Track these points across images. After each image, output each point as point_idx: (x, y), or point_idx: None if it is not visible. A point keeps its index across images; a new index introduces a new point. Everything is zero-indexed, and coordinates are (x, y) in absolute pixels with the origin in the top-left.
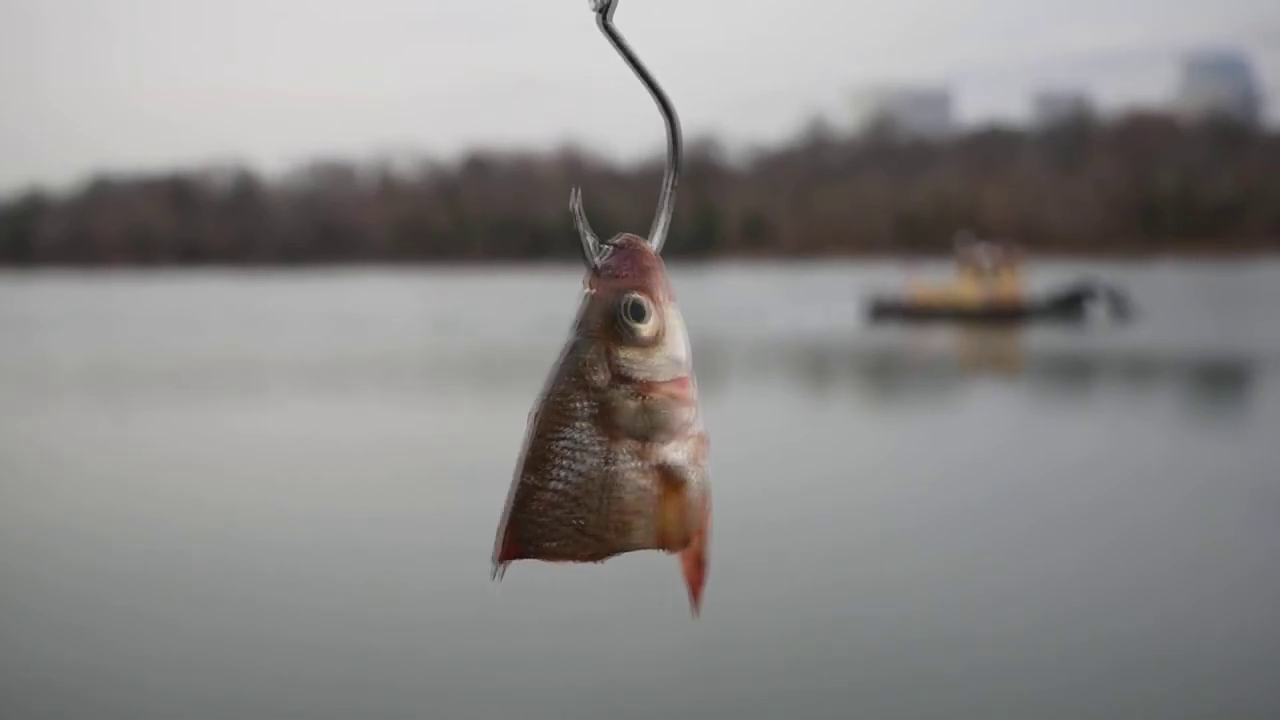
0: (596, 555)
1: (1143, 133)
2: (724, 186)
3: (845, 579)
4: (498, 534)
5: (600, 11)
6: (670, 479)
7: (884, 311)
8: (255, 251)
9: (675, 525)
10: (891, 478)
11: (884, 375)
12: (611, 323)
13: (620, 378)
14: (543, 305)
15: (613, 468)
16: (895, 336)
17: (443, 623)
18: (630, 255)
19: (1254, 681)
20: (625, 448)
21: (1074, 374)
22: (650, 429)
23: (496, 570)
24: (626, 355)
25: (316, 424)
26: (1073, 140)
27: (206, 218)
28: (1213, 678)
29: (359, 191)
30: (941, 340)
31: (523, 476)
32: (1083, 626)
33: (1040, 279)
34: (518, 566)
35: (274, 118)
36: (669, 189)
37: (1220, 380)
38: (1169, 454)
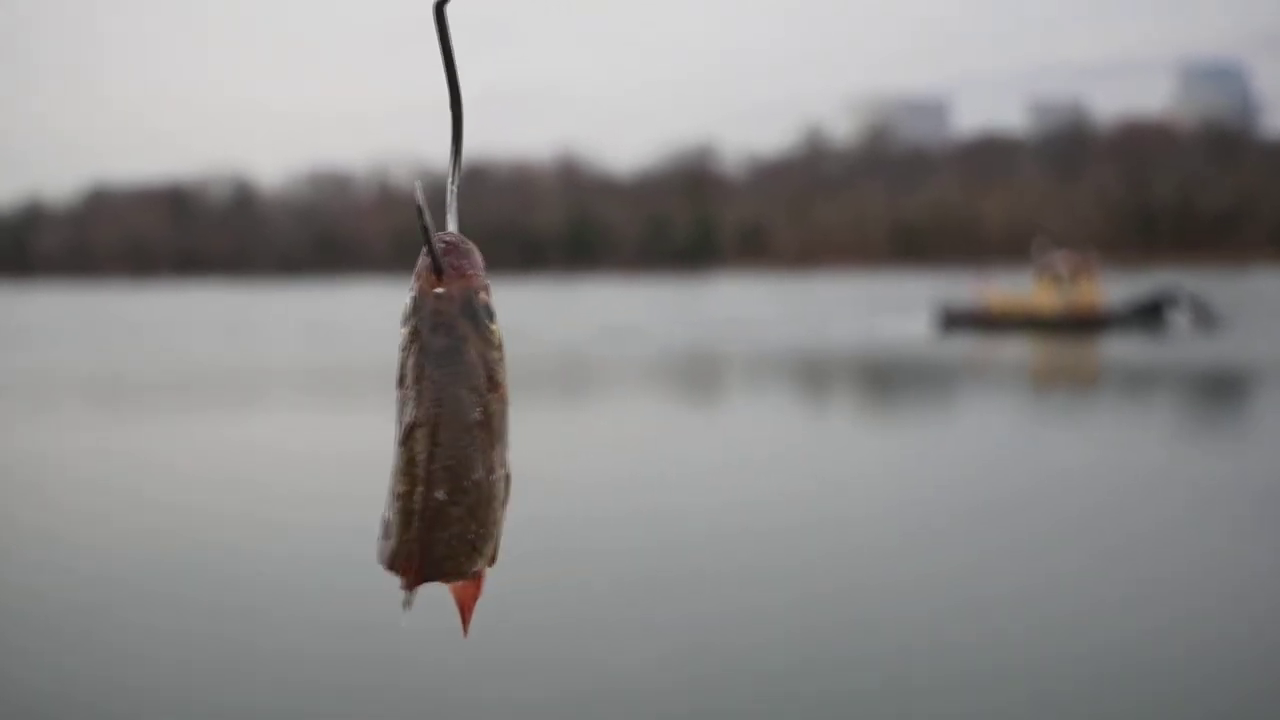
0: (474, 572)
1: (1139, 141)
2: (721, 196)
3: (851, 584)
4: (397, 558)
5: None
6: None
7: (956, 321)
8: (254, 261)
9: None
10: (932, 486)
11: (952, 385)
12: (475, 324)
13: (493, 382)
14: (541, 316)
15: (491, 477)
16: (966, 347)
17: (443, 630)
18: (470, 253)
19: (1254, 689)
20: (495, 455)
21: (1152, 384)
22: (505, 434)
23: (408, 599)
24: (494, 357)
25: (316, 434)
26: (1070, 149)
27: (205, 228)
28: (1214, 684)
29: (357, 201)
30: (1015, 350)
31: (432, 493)
32: (1083, 633)
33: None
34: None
35: (271, 128)
36: (453, 186)
37: (1219, 389)
38: (1169, 463)
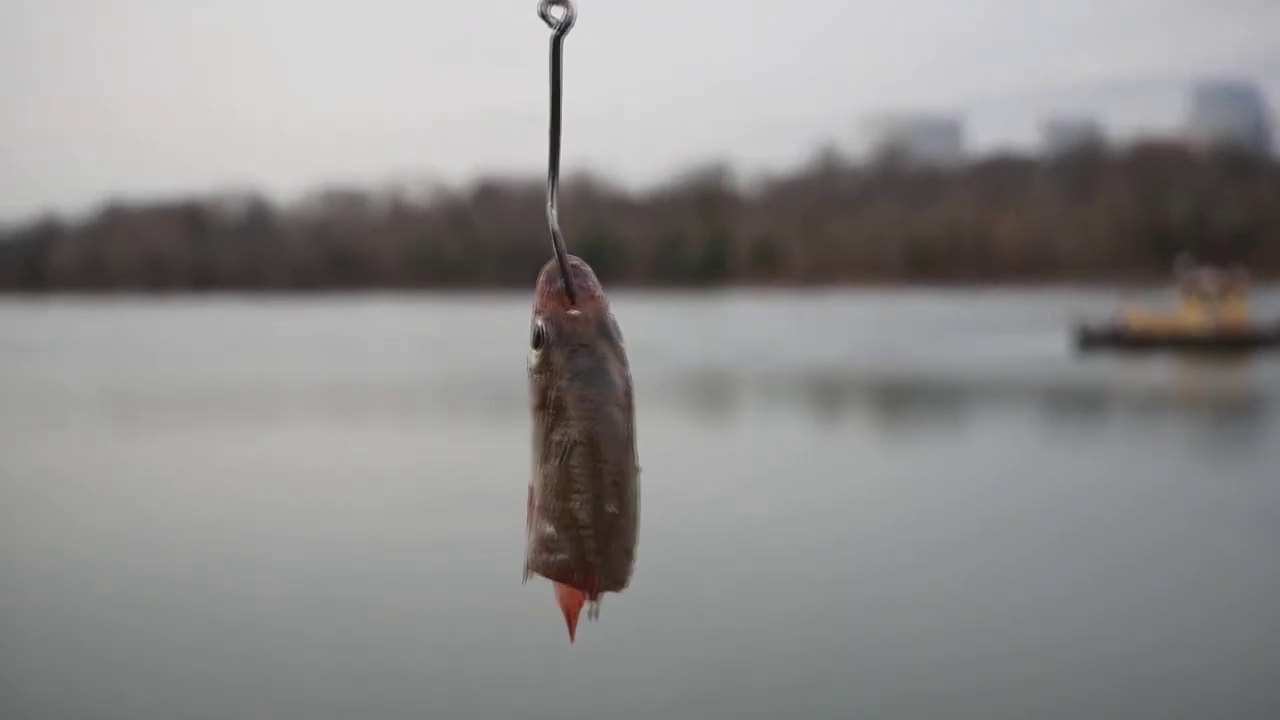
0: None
1: (1153, 160)
2: (735, 213)
3: (869, 596)
4: (577, 571)
5: (558, 31)
6: None
7: (1095, 341)
8: (268, 278)
9: None
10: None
11: (1092, 408)
12: (610, 342)
13: (629, 397)
14: None
15: (637, 487)
16: (1107, 367)
17: (455, 647)
18: (590, 274)
19: (1259, 701)
20: (636, 467)
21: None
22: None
23: (595, 609)
24: (628, 374)
25: (328, 451)
26: (1084, 168)
27: (219, 244)
28: (1219, 696)
29: (371, 218)
30: (1161, 371)
31: (604, 507)
32: (1092, 647)
33: (1060, 305)
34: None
35: (286, 144)
36: (553, 210)
37: (1232, 408)
38: (1180, 480)
